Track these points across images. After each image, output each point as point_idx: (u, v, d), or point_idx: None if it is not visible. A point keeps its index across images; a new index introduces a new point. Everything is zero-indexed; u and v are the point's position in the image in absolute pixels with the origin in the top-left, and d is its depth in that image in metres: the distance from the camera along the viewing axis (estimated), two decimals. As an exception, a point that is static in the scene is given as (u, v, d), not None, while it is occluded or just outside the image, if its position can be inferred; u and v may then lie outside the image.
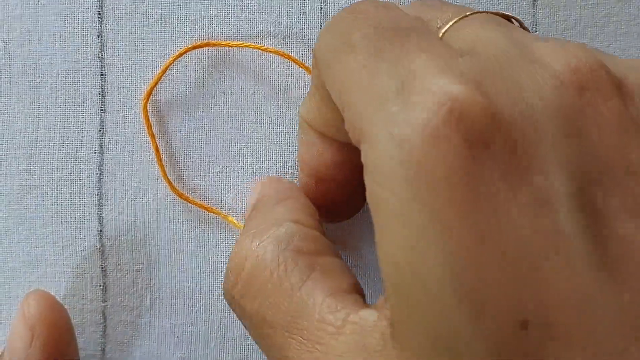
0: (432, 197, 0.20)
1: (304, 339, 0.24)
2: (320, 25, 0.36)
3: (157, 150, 0.36)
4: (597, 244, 0.21)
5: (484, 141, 0.20)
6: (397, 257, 0.21)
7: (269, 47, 0.36)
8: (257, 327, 0.26)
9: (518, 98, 0.21)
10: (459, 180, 0.20)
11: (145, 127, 0.36)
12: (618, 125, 0.21)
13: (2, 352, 0.32)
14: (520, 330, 0.20)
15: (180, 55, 0.36)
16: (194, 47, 0.36)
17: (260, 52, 0.36)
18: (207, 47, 0.36)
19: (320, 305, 0.24)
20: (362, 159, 0.23)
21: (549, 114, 0.21)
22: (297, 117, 0.37)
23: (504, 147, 0.20)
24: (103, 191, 0.37)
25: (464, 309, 0.20)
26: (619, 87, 0.22)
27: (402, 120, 0.21)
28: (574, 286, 0.20)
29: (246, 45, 0.36)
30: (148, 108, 0.36)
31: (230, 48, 0.36)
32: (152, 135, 0.36)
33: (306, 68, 0.36)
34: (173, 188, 0.36)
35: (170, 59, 0.36)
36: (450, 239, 0.20)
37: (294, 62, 0.36)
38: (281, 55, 0.36)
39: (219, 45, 0.36)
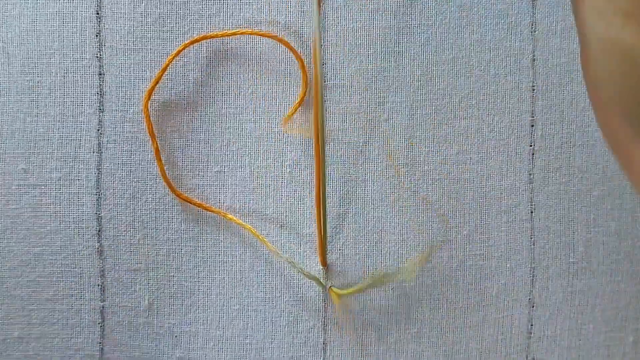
0: None
1: None
2: (319, 24, 0.35)
3: (157, 149, 0.36)
4: None
5: None
6: None
7: (267, 47, 0.36)
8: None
9: None
10: None
11: (146, 126, 0.36)
12: None
13: None
14: None
15: (179, 52, 0.36)
16: (191, 43, 0.36)
17: (258, 53, 0.36)
18: (203, 41, 0.36)
19: None
20: None
21: None
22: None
23: None
24: (101, 191, 0.37)
25: None
26: None
27: None
28: None
29: (241, 32, 0.36)
30: (148, 107, 0.36)
31: (228, 47, 0.36)
32: (153, 135, 0.36)
33: (301, 60, 0.36)
34: (173, 189, 0.36)
35: (170, 57, 0.36)
36: None
37: (288, 47, 0.36)
38: (276, 39, 0.36)
39: (215, 36, 0.36)
